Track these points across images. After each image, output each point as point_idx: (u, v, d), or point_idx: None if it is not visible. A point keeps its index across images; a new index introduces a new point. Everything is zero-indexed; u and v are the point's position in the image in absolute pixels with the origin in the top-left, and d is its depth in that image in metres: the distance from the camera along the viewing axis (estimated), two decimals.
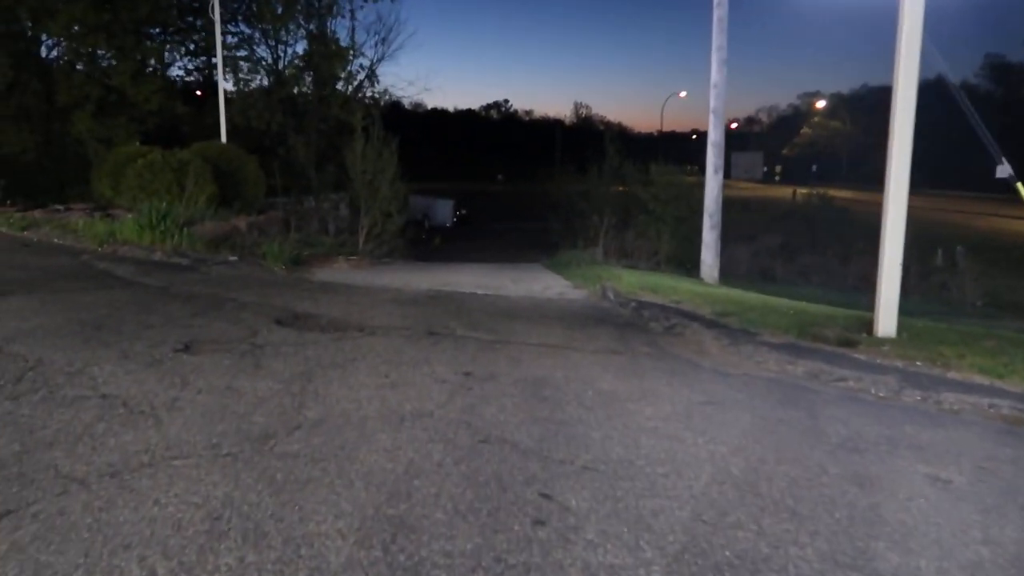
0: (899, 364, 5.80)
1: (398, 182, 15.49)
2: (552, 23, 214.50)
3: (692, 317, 7.37)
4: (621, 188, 25.17)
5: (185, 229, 10.74)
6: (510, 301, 8.73)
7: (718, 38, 15.51)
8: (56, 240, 10.78)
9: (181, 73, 19.45)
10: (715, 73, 15.61)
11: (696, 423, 4.30)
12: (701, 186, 22.53)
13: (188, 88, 19.60)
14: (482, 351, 5.84)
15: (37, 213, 12.39)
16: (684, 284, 11.10)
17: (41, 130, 15.14)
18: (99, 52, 15.98)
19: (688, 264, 21.53)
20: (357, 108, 17.30)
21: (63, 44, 15.82)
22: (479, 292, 9.42)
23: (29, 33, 15.80)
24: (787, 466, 3.70)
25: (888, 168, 6.78)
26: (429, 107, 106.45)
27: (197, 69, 19.07)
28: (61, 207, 12.75)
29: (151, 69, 17.15)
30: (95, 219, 11.25)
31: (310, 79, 19.74)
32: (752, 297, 9.92)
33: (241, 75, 18.38)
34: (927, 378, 5.45)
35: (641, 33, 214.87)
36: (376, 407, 4.29)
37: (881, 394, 5.20)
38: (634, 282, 10.39)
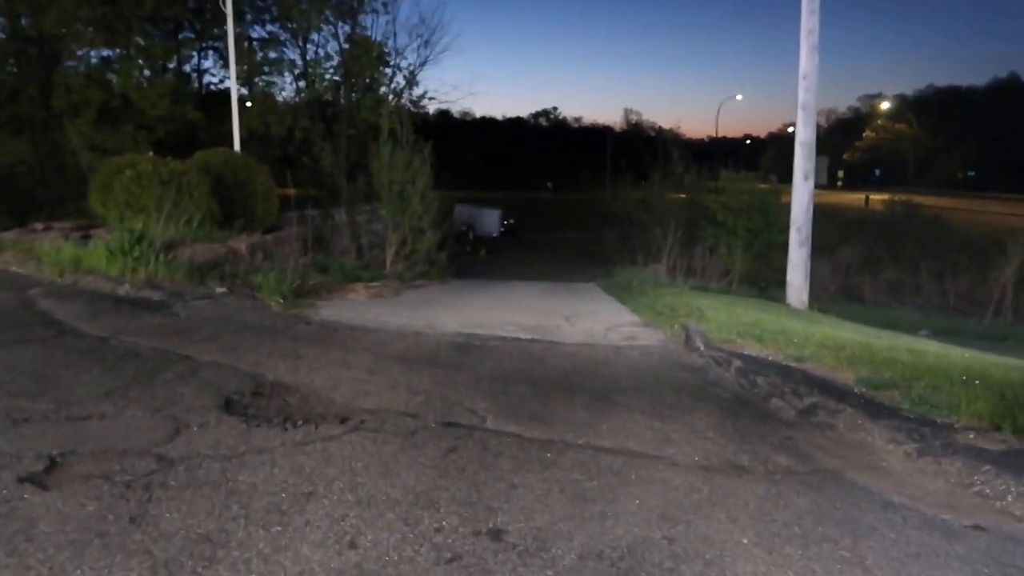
0: None
1: (431, 193, 13.41)
2: (600, 28, 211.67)
3: (832, 391, 5.02)
4: (683, 197, 22.69)
5: (165, 255, 8.79)
6: (565, 355, 6.49)
7: (808, 21, 13.06)
8: (14, 268, 8.94)
9: (198, 76, 17.95)
10: (805, 62, 13.16)
11: None
12: (776, 193, 20.08)
13: (208, 93, 18.02)
14: (524, 471, 3.62)
15: (12, 234, 10.64)
16: (789, 322, 8.70)
17: (41, 140, 13.61)
18: (101, 52, 14.51)
19: (762, 283, 19.03)
20: (387, 110, 15.32)
21: (60, 43, 14.28)
22: (523, 338, 7.20)
23: (30, 32, 14.31)
24: None
25: None
26: (478, 115, 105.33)
27: (211, 71, 17.56)
28: (40, 226, 10.99)
29: (158, 71, 15.50)
30: (67, 242, 9.40)
31: (340, 82, 17.93)
32: (885, 343, 7.48)
33: (262, 77, 16.65)
34: None
35: (692, 37, 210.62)
36: None
37: None
38: (723, 320, 8.05)
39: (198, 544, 2.75)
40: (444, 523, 3.01)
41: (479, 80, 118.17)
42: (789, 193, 20.19)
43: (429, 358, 6.00)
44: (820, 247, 21.72)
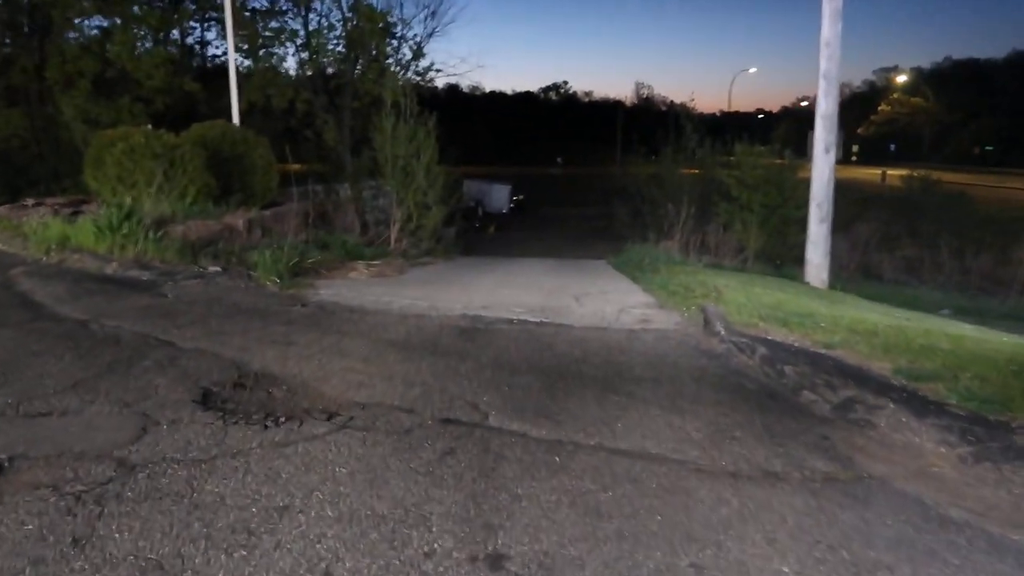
0: None
1: (436, 167, 12.92)
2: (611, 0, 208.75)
3: (869, 382, 4.57)
4: (696, 172, 22.08)
5: (156, 232, 8.38)
6: (575, 339, 6.05)
7: None
8: None
9: (200, 48, 17.37)
10: (827, 28, 12.54)
11: None
12: (792, 168, 19.46)
13: (212, 66, 17.46)
14: (529, 478, 3.20)
15: (1, 210, 10.26)
16: (812, 303, 8.22)
17: (35, 113, 13.16)
18: (96, 20, 13.99)
19: (778, 261, 18.51)
20: (390, 80, 14.77)
21: (52, 11, 13.74)
22: (531, 320, 6.77)
23: (21, 0, 13.82)
24: None
25: None
26: (487, 90, 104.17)
27: (214, 43, 16.89)
28: (31, 202, 10.59)
29: (157, 42, 14.95)
30: (55, 219, 9.01)
31: (344, 53, 17.34)
32: (918, 327, 7.00)
33: (262, 47, 16.01)
34: None
35: (704, 10, 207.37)
36: None
37: None
38: (743, 302, 7.59)
39: (147, 574, 2.35)
40: (436, 545, 2.61)
41: (487, 53, 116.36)
42: (806, 168, 19.68)
43: (430, 344, 5.58)
44: (837, 224, 21.12)
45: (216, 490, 2.95)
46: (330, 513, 2.81)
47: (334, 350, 5.23)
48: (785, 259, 18.77)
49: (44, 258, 7.96)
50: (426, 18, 26.45)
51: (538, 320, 6.83)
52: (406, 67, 26.57)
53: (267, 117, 18.08)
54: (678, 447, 3.65)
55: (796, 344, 5.71)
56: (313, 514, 2.79)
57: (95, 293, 6.67)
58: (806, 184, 18.60)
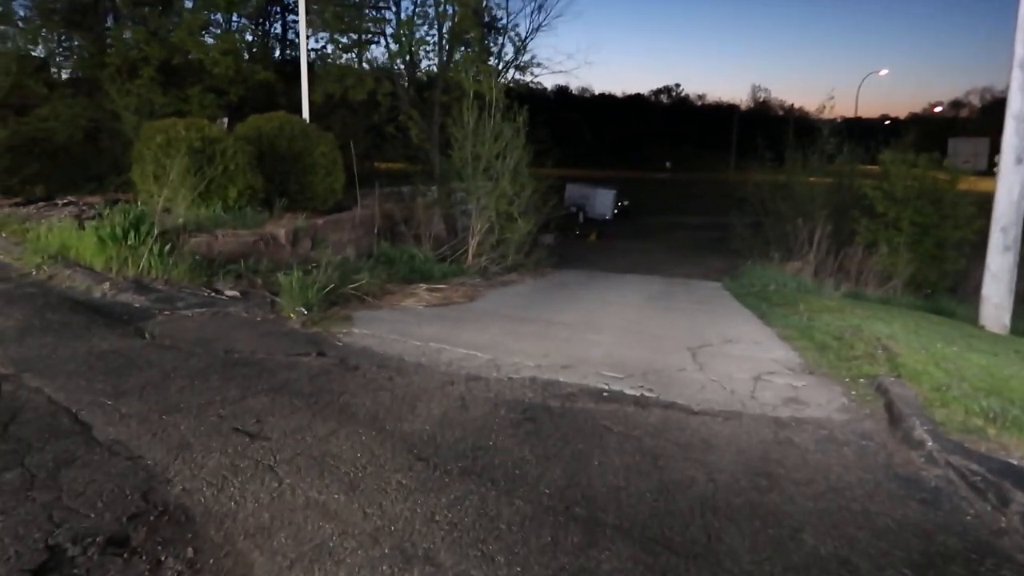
0: None
1: (525, 171, 11.02)
2: (726, 1, 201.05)
3: None
4: (827, 181, 19.21)
5: (175, 242, 6.87)
6: (694, 441, 3.98)
7: None
8: None
9: (282, 35, 16.15)
10: None
11: None
12: (951, 181, 16.42)
13: (287, 54, 16.27)
14: None
15: (28, 209, 9.11)
16: None
17: (96, 104, 12.19)
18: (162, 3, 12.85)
19: (928, 289, 15.58)
20: (469, 67, 12.98)
21: None
22: (628, 394, 4.75)
23: None
24: None
25: None
26: (597, 91, 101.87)
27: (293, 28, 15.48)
28: (62, 201, 9.42)
29: (229, 26, 13.83)
30: (62, 223, 7.67)
31: (433, 39, 15.79)
32: None
33: (339, 35, 14.51)
34: None
35: (822, 11, 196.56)
36: None
37: None
38: (936, 374, 5.29)
39: None
40: None
41: (596, 50, 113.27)
42: (966, 180, 16.57)
43: (470, 448, 3.64)
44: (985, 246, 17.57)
45: None
46: None
47: (315, 456, 3.38)
48: (937, 288, 15.84)
49: (33, 272, 6.57)
50: (532, 12, 24.70)
51: (638, 393, 4.80)
52: (508, 63, 24.95)
53: (352, 112, 16.71)
54: None
55: None
56: None
57: (54, 329, 5.12)
58: (970, 200, 15.65)
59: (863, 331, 7.39)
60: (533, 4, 24.79)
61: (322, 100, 14.03)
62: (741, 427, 4.26)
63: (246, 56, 15.13)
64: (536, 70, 24.15)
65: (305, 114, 11.78)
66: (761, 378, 5.42)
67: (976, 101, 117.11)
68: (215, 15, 13.69)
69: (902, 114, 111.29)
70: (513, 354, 5.58)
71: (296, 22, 13.80)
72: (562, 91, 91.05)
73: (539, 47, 68.17)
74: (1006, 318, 10.37)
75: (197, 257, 6.91)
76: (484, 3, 18.64)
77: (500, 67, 24.77)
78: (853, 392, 5.11)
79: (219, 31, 13.72)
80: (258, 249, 7.66)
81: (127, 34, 12.73)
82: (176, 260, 6.57)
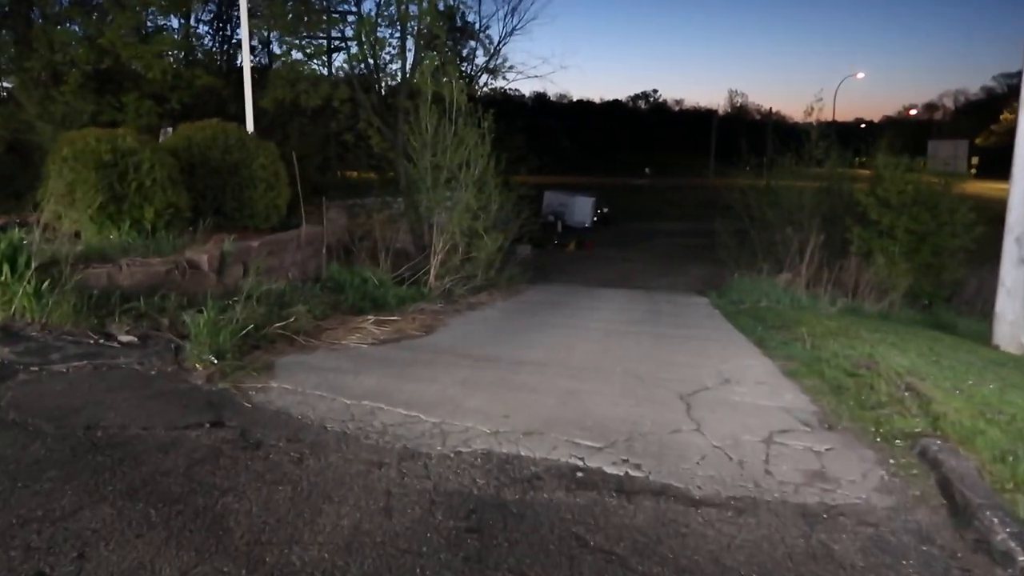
0: None
1: (492, 182, 9.93)
2: (702, 6, 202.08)
3: None
4: (814, 187, 18.28)
5: (70, 275, 5.70)
6: (697, 558, 2.90)
7: None
8: None
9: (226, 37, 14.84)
10: None
11: None
12: (946, 185, 15.56)
13: (231, 55, 15.00)
14: None
15: None
16: None
17: (13, 113, 10.94)
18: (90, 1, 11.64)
19: (925, 300, 14.70)
20: (427, 67, 11.90)
21: None
22: (609, 474, 3.68)
23: None
24: None
25: None
26: (575, 98, 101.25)
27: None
28: None
29: (157, 26, 12.57)
30: None
31: (396, 41, 14.67)
32: None
33: (292, 36, 13.30)
34: None
35: (796, 16, 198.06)
36: None
37: None
38: (997, 439, 4.23)
39: None
40: None
41: (572, 54, 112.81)
42: (960, 184, 15.70)
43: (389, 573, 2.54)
44: (987, 252, 16.75)
45: None
46: None
47: None
48: (934, 298, 14.95)
49: None
50: (506, 16, 23.79)
51: (622, 471, 3.73)
52: (481, 67, 23.90)
53: (313, 120, 15.54)
54: None
55: None
56: None
57: None
58: (969, 204, 14.79)
59: (879, 364, 6.39)
60: (507, 7, 23.92)
61: (274, 107, 12.86)
62: (760, 527, 3.19)
63: (188, 60, 13.91)
64: (511, 75, 23.22)
65: (249, 122, 10.62)
66: (774, 440, 4.36)
67: (950, 104, 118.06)
68: (154, 16, 12.48)
69: (876, 117, 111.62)
70: (466, 415, 4.48)
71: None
72: (540, 98, 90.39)
73: (514, 52, 67.57)
74: (1023, 336, 9.45)
75: (94, 293, 5.75)
76: (454, 3, 17.62)
77: (472, 72, 23.79)
78: (891, 461, 4.06)
79: (156, 32, 12.48)
80: (173, 280, 6.50)
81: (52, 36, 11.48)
82: (60, 298, 5.40)
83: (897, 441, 4.33)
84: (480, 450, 3.91)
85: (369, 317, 7.17)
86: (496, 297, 10.99)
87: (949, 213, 14.25)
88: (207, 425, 4.03)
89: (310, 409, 4.44)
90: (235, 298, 6.20)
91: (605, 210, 44.31)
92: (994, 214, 24.79)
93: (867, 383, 5.70)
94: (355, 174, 18.90)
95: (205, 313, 5.49)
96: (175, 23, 13.32)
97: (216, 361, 5.07)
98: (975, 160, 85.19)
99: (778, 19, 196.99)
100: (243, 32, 10.59)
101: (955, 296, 15.12)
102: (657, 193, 59.04)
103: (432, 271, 9.62)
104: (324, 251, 9.32)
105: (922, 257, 14.11)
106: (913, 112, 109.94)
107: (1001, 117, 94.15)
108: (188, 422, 4.04)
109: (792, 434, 4.50)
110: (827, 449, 4.23)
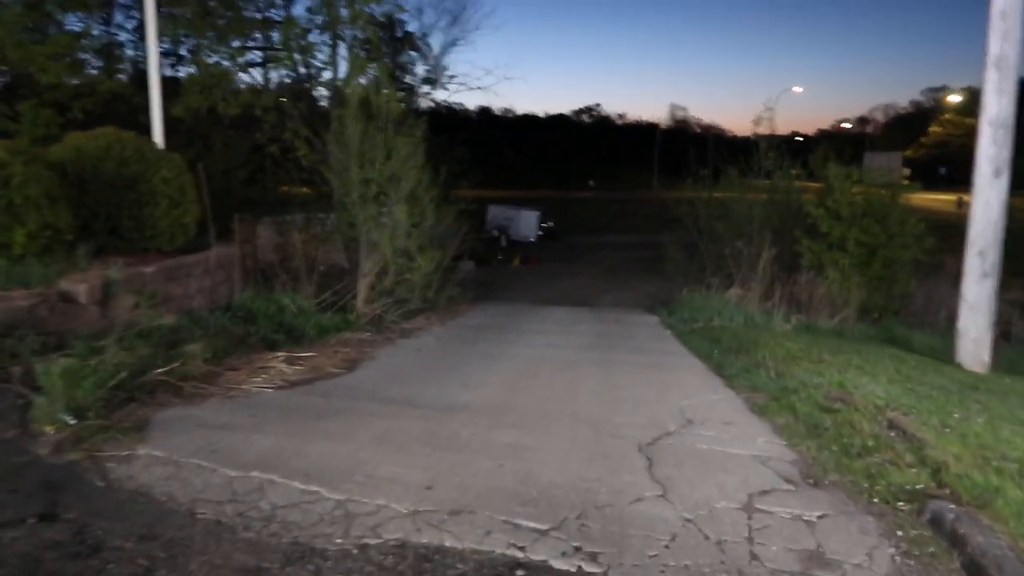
0: None
1: (426, 198, 9.06)
2: (643, 22, 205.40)
3: None
4: (762, 198, 17.87)
5: None
6: None
7: None
8: None
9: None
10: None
11: None
12: (892, 196, 15.33)
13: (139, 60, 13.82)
14: None
15: None
16: None
17: None
18: None
19: (875, 313, 14.35)
20: (356, 63, 11.02)
21: None
22: (556, 570, 2.85)
23: None
24: None
25: None
26: (519, 112, 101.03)
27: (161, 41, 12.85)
28: None
29: (51, 26, 11.33)
30: None
31: (327, 47, 13.74)
32: None
33: (205, 39, 12.15)
34: None
35: (734, 33, 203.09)
36: None
37: None
38: (1019, 500, 3.54)
39: None
40: None
41: (516, 65, 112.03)
42: (907, 196, 15.46)
43: None
44: (932, 265, 16.44)
45: None
46: None
47: None
48: (885, 312, 14.61)
49: None
50: (448, 25, 23.05)
51: (572, 567, 2.92)
52: (421, 78, 23.05)
53: (239, 130, 14.41)
54: None
55: None
56: None
57: None
58: (918, 216, 14.54)
59: (853, 395, 5.75)
60: (449, 17, 23.19)
61: (190, 116, 11.75)
62: None
63: (104, 67, 12.69)
64: (453, 86, 22.39)
65: (157, 132, 9.56)
66: (755, 506, 3.60)
67: (881, 117, 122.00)
68: (51, 11, 11.24)
69: (811, 131, 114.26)
70: (379, 487, 3.60)
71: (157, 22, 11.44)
72: (484, 111, 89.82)
73: (457, 63, 66.92)
74: (986, 354, 8.99)
75: None
76: (390, 10, 16.73)
77: (413, 83, 22.89)
78: (899, 533, 3.33)
79: (50, 31, 11.29)
80: (37, 316, 5.45)
81: None
82: None
83: (900, 504, 3.62)
84: (392, 541, 3.04)
85: (280, 353, 6.22)
86: (433, 321, 10.12)
87: (899, 224, 13.94)
88: (32, 520, 3.07)
89: (180, 487, 3.50)
90: (122, 334, 5.20)
91: (551, 224, 43.80)
92: (932, 224, 24.94)
93: (846, 420, 5.03)
94: (293, 188, 17.85)
95: (67, 359, 4.48)
96: (78, 20, 12.11)
97: (73, 421, 4.09)
98: (907, 172, 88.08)
99: (715, 36, 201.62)
100: (149, 32, 9.51)
101: (903, 309, 14.83)
102: (603, 206, 58.92)
103: (360, 295, 8.68)
104: (238, 275, 8.31)
105: (873, 270, 13.74)
106: (846, 125, 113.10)
107: (929, 130, 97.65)
108: (5, 517, 3.07)
109: (775, 495, 3.75)
110: (819, 517, 3.49)
